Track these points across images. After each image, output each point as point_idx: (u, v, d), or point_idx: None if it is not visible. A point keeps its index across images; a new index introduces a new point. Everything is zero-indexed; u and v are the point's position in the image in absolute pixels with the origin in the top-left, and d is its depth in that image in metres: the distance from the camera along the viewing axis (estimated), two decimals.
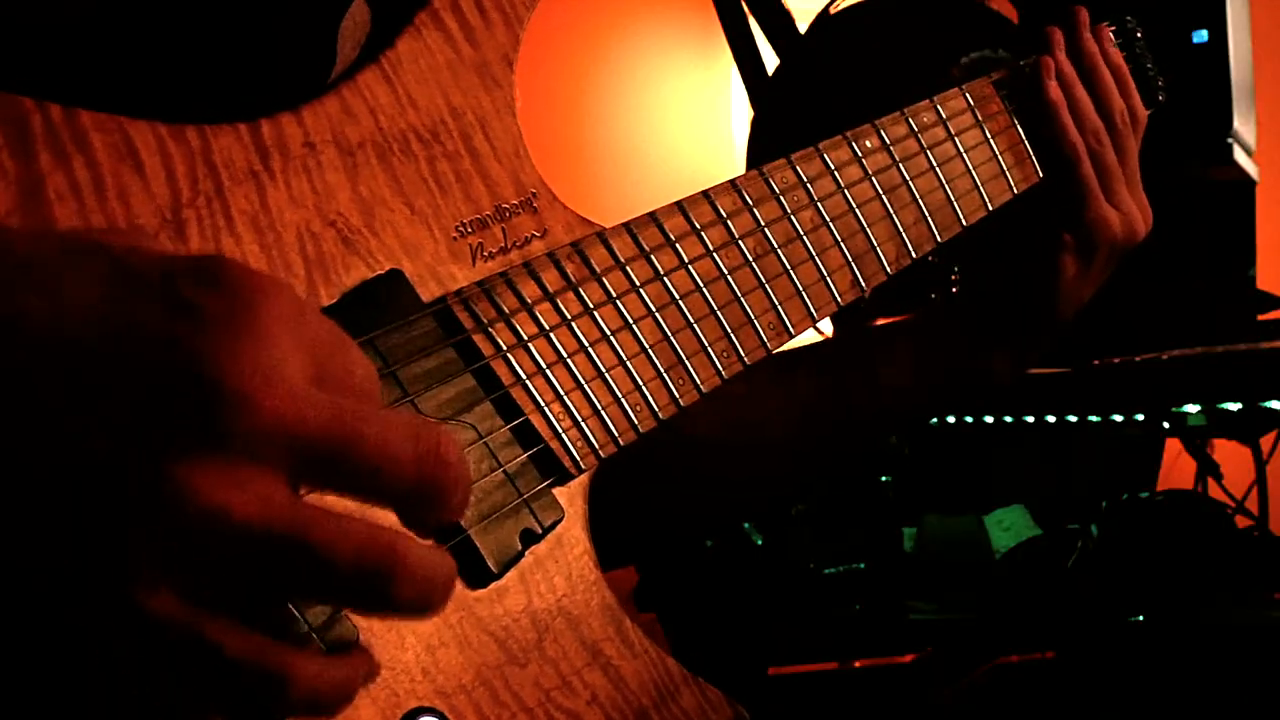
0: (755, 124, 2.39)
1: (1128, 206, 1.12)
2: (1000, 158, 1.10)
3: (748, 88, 2.48)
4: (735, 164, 3.32)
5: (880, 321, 1.25)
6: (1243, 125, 1.93)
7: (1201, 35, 1.92)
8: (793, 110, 2.30)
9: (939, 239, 1.04)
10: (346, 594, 0.53)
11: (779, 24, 2.39)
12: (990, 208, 1.09)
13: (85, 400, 0.49)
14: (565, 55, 3.34)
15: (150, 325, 0.50)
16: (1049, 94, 1.11)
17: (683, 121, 3.78)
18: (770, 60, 2.43)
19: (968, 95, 1.09)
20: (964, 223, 1.07)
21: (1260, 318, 2.08)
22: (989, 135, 1.10)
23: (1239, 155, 1.93)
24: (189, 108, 0.69)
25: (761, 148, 2.33)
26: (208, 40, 0.76)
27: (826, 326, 2.14)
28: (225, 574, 0.50)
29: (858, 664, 1.86)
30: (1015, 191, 1.11)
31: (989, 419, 2.14)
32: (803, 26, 2.37)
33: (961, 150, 1.07)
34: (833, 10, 2.31)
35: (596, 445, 0.81)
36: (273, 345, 0.50)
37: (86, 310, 0.50)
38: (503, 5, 0.83)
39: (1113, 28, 1.21)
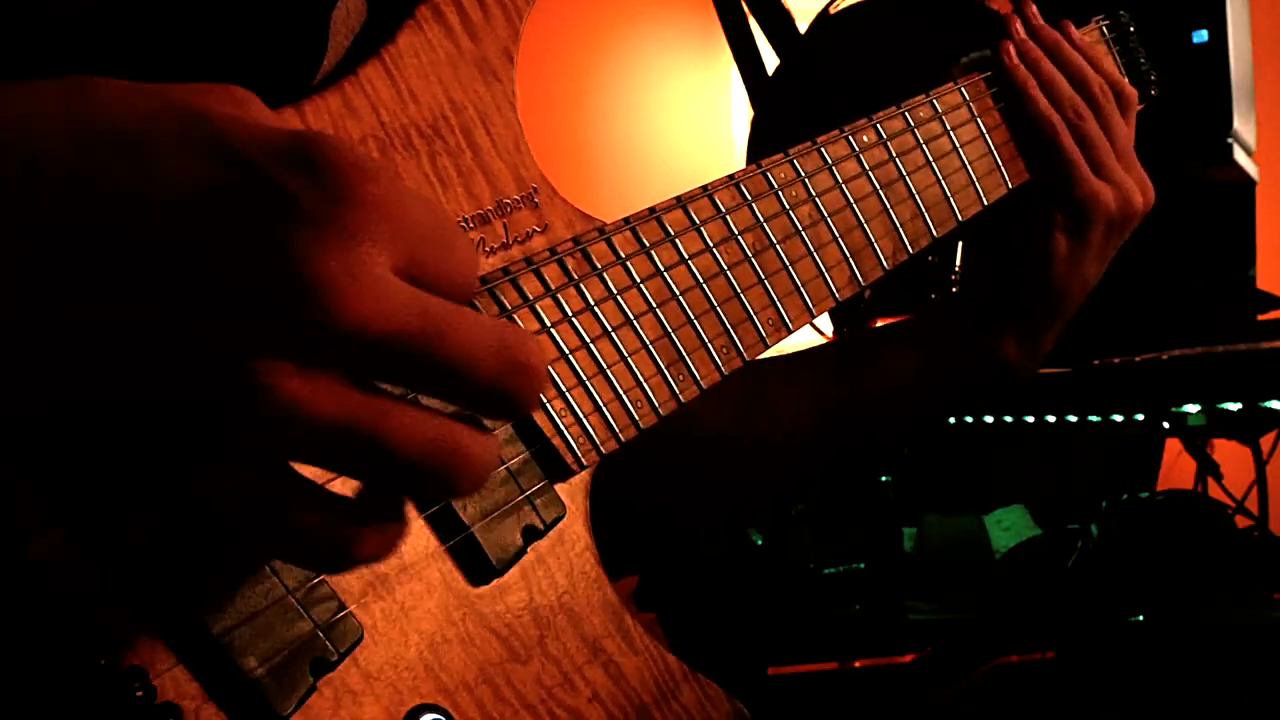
0: (755, 124, 2.39)
1: (1119, 178, 1.11)
2: (996, 152, 1.10)
3: (748, 88, 2.49)
4: (735, 163, 3.31)
5: (883, 322, 1.25)
6: (1243, 125, 1.93)
7: (1201, 35, 1.92)
8: (793, 110, 2.30)
9: (935, 234, 1.04)
10: (412, 483, 0.54)
11: (779, 24, 2.40)
12: (986, 202, 1.09)
13: (171, 280, 0.49)
14: (566, 54, 3.34)
15: (246, 215, 0.50)
16: (1013, 71, 1.11)
17: (683, 121, 3.79)
18: (770, 60, 2.43)
19: (963, 90, 1.09)
20: (960, 218, 1.07)
21: (1260, 318, 2.08)
22: (984, 130, 1.10)
23: (1239, 155, 1.93)
24: None
25: (761, 147, 2.33)
26: (198, 28, 0.76)
27: (827, 326, 2.14)
28: (302, 459, 0.52)
29: (858, 664, 1.86)
30: (1010, 186, 1.11)
31: (989, 419, 2.14)
32: (803, 26, 2.37)
33: (957, 145, 1.07)
34: (833, 10, 2.31)
35: (598, 441, 0.81)
36: (364, 241, 0.50)
37: (177, 181, 0.50)
38: (503, 0, 0.83)
39: (1106, 21, 1.21)
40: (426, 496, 0.57)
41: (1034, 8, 1.16)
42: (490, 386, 0.53)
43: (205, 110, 0.52)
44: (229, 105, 0.53)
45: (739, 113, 3.67)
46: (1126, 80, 1.17)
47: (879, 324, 1.21)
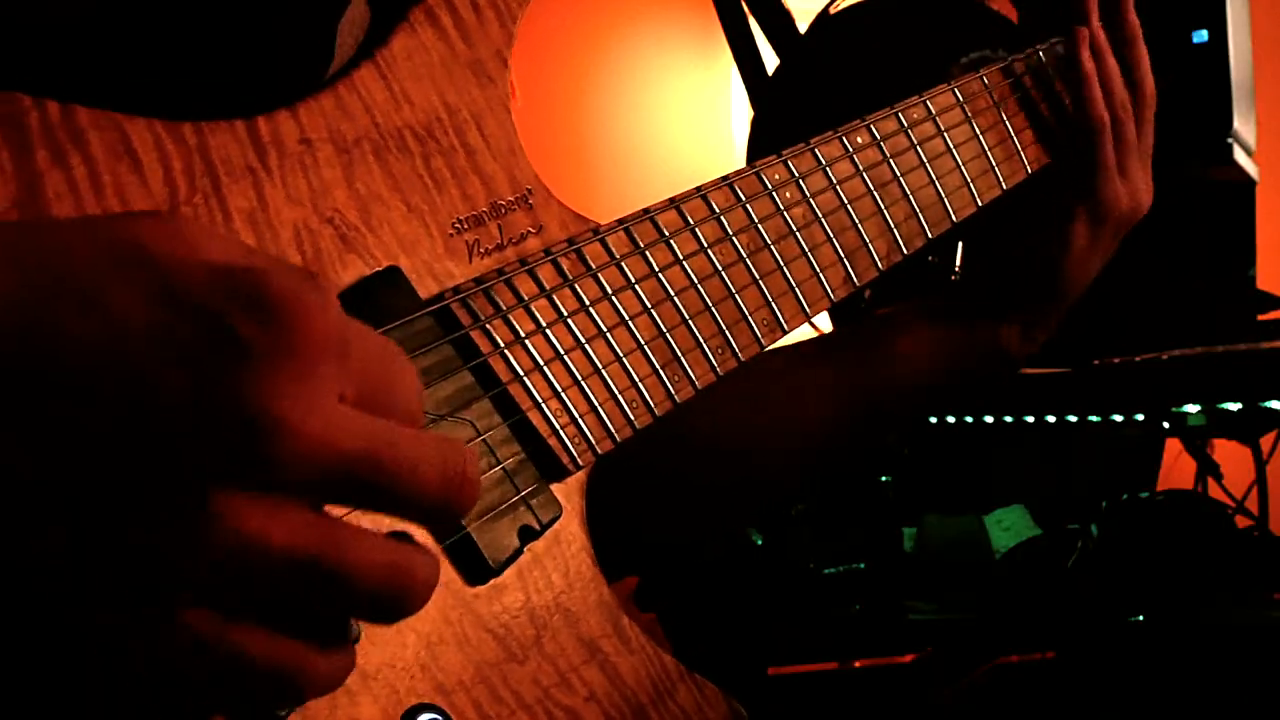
0: (755, 124, 2.39)
1: (1136, 180, 1.13)
2: (990, 153, 1.10)
3: (748, 88, 2.49)
4: (735, 164, 3.31)
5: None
6: (1243, 125, 1.93)
7: (1201, 35, 1.92)
8: (792, 110, 2.30)
9: (929, 235, 1.04)
10: (369, 609, 0.56)
11: (779, 24, 2.40)
12: (980, 204, 1.09)
13: (126, 425, 0.50)
14: (565, 55, 3.34)
15: (190, 349, 0.50)
16: (1084, 65, 1.11)
17: (683, 121, 3.78)
18: (770, 60, 2.43)
19: (957, 92, 1.09)
20: (954, 219, 1.07)
21: (1260, 318, 2.08)
22: (978, 131, 1.10)
23: (1239, 155, 1.93)
24: (187, 105, 0.69)
25: (761, 148, 2.33)
26: (206, 37, 0.76)
27: (825, 325, 2.14)
28: (260, 594, 0.52)
29: (858, 664, 1.86)
30: (1004, 188, 1.11)
31: (989, 419, 2.14)
32: (803, 26, 2.37)
33: (951, 146, 1.07)
34: (833, 10, 2.31)
35: (593, 442, 0.81)
36: (314, 376, 0.51)
37: (129, 329, 0.50)
38: (496, 2, 0.83)
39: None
40: (376, 620, 0.57)
41: None
42: (435, 499, 0.55)
43: (147, 251, 0.52)
44: (169, 241, 0.53)
45: (739, 113, 3.66)
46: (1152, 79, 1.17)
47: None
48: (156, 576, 0.51)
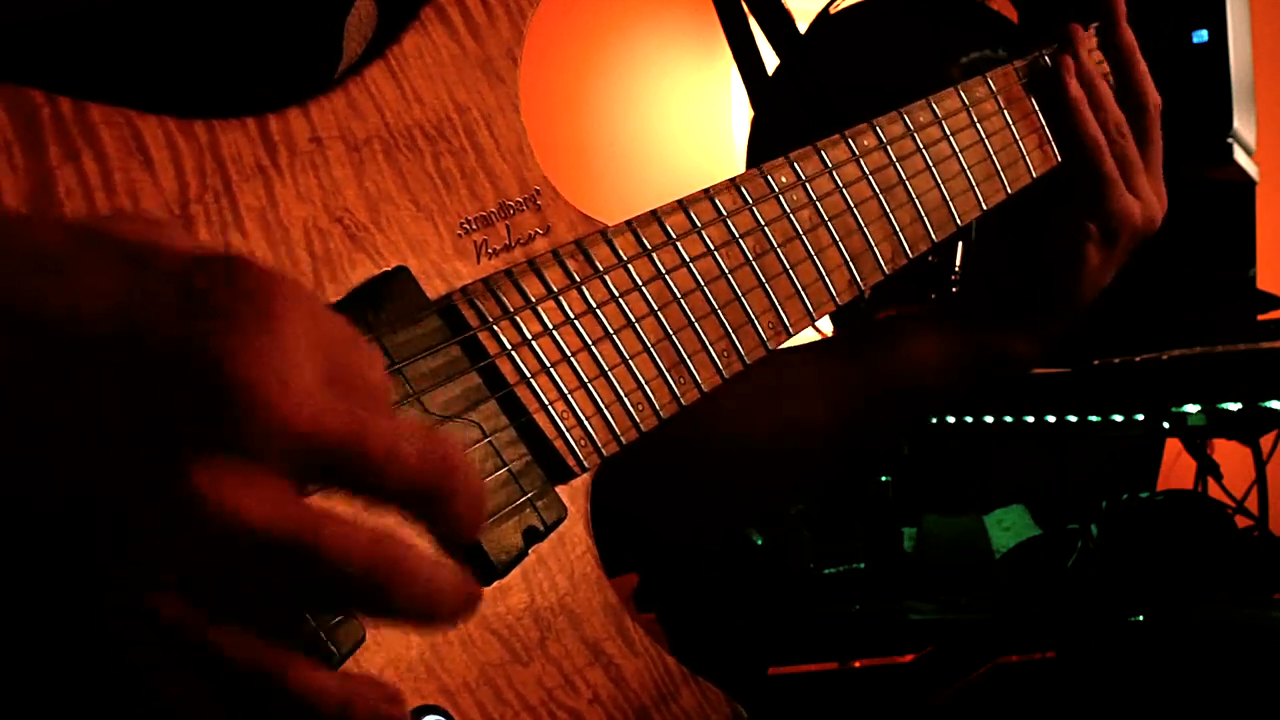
0: (755, 124, 2.40)
1: (1147, 195, 1.14)
2: (995, 157, 1.10)
3: (748, 88, 2.49)
4: (735, 164, 3.32)
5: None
6: (1243, 125, 1.93)
7: (1201, 35, 1.92)
8: (793, 110, 2.30)
9: (934, 239, 1.04)
10: (350, 597, 0.53)
11: (779, 24, 2.39)
12: (985, 207, 1.09)
13: (99, 397, 0.49)
14: (566, 55, 3.34)
15: (167, 322, 0.50)
16: (1070, 91, 1.12)
17: (683, 121, 3.78)
18: (770, 60, 2.43)
19: (963, 95, 1.09)
20: (959, 222, 1.07)
21: (1260, 318, 2.08)
22: (984, 135, 1.10)
23: (1239, 155, 1.93)
24: (197, 102, 0.69)
25: (761, 148, 2.33)
26: (215, 35, 0.76)
27: (827, 327, 2.14)
28: (235, 575, 0.51)
29: (858, 664, 1.86)
30: (1009, 191, 1.11)
31: (989, 419, 2.14)
32: (803, 26, 2.37)
33: (957, 150, 1.07)
34: (833, 10, 2.31)
35: (599, 444, 0.81)
36: (288, 347, 0.50)
37: (101, 302, 0.50)
38: (507, 1, 0.83)
39: (1097, 24, 1.20)
40: (368, 612, 0.55)
41: (1123, 4, 1.16)
42: (416, 480, 0.53)
43: (118, 233, 0.52)
44: (137, 229, 0.53)
45: (739, 113, 3.66)
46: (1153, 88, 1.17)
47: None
48: (127, 553, 0.49)
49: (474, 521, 0.56)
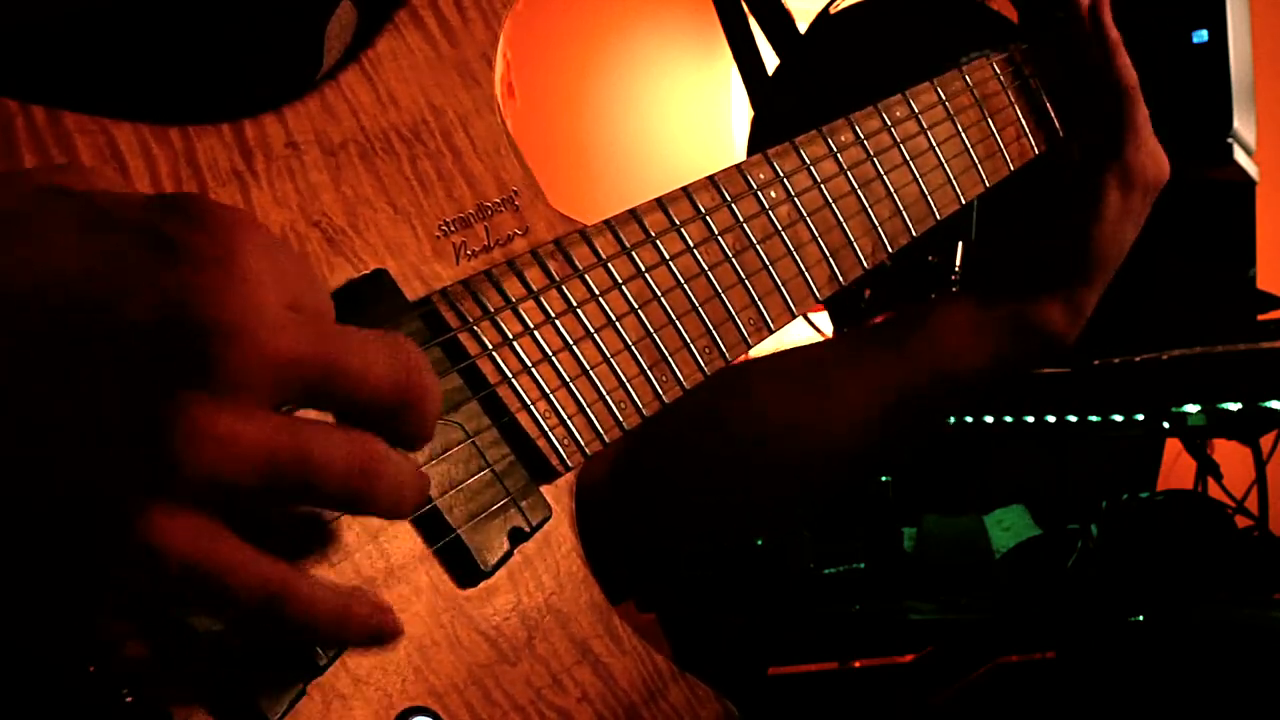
0: (755, 124, 2.39)
1: (1154, 147, 1.14)
2: (972, 150, 1.10)
3: (748, 88, 2.48)
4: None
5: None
6: (1243, 125, 1.93)
7: (1201, 35, 1.91)
8: (793, 110, 2.30)
9: (914, 233, 1.04)
10: (338, 498, 0.56)
11: (779, 24, 2.39)
12: (963, 201, 1.09)
13: (77, 346, 0.50)
14: (565, 55, 3.34)
15: (134, 264, 0.51)
16: (1110, 35, 1.13)
17: (683, 121, 3.78)
18: (770, 60, 2.43)
19: (939, 89, 1.09)
20: (938, 216, 1.07)
21: (1260, 318, 2.08)
22: (960, 129, 1.10)
23: (1239, 155, 1.92)
24: (174, 109, 0.69)
25: (761, 148, 2.32)
26: (193, 41, 0.77)
27: (826, 326, 2.14)
28: (236, 497, 0.53)
29: (858, 664, 1.86)
30: (987, 185, 1.11)
31: (989, 419, 2.14)
32: (803, 26, 2.37)
33: (934, 144, 1.07)
34: (833, 10, 2.31)
35: (582, 443, 0.81)
36: (255, 278, 0.52)
37: (65, 253, 0.50)
38: (481, 3, 0.83)
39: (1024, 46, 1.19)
40: (350, 510, 0.59)
41: None
42: (389, 390, 0.56)
43: (71, 187, 0.53)
44: (88, 178, 0.54)
45: (739, 113, 3.66)
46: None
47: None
48: (126, 494, 0.50)
49: (434, 417, 0.59)
